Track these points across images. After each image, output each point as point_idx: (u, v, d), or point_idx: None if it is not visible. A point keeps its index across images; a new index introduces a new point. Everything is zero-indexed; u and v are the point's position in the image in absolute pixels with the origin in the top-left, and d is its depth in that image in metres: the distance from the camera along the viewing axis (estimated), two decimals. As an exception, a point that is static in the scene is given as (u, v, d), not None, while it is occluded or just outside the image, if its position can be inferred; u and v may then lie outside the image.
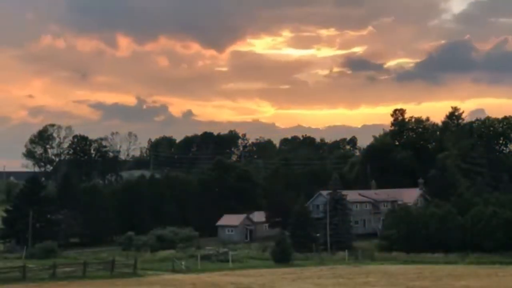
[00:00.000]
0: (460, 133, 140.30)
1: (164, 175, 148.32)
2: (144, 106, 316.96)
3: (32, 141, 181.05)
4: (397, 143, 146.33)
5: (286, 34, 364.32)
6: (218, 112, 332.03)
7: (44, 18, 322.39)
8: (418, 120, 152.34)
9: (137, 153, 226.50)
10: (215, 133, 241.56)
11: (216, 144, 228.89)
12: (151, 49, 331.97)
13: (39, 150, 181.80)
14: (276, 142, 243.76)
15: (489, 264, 70.05)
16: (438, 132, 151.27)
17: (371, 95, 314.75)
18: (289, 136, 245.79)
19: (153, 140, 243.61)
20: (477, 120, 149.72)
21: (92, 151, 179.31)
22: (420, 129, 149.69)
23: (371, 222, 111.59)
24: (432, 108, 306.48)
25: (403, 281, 52.72)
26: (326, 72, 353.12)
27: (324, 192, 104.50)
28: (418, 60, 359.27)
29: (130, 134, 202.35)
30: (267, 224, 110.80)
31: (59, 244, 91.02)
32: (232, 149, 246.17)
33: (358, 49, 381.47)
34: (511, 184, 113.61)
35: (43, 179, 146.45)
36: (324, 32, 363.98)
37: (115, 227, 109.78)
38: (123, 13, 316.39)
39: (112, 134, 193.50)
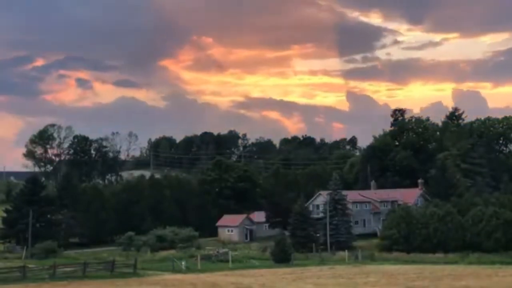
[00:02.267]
0: (460, 133, 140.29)
1: (164, 175, 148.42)
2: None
3: (32, 141, 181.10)
4: (397, 143, 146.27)
5: None
6: None
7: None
8: (418, 120, 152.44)
9: (137, 153, 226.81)
10: (215, 133, 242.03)
11: (216, 144, 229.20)
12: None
13: (39, 150, 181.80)
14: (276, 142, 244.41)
15: (489, 264, 69.94)
16: (438, 132, 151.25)
17: None
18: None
19: (153, 140, 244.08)
20: (477, 120, 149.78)
21: (92, 151, 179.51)
22: (420, 129, 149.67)
23: (371, 222, 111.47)
24: None
25: (403, 281, 52.66)
26: None
27: (324, 192, 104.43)
28: None
29: (130, 134, 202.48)
30: (267, 224, 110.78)
31: (59, 244, 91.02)
32: (232, 149, 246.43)
33: None
34: (511, 184, 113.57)
35: (43, 179, 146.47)
36: None
37: (115, 227, 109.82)
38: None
39: (112, 134, 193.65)
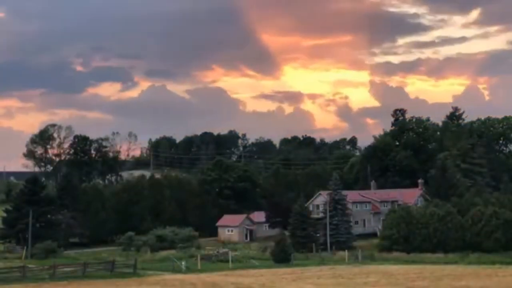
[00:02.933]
0: (460, 133, 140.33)
1: (164, 175, 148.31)
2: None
3: (32, 141, 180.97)
4: (397, 143, 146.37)
5: None
6: None
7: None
8: (418, 120, 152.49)
9: (137, 153, 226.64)
10: (215, 133, 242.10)
11: (216, 144, 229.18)
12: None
13: (39, 150, 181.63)
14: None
15: (489, 264, 69.90)
16: (438, 132, 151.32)
17: None
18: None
19: (153, 140, 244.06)
20: (477, 120, 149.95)
21: (92, 151, 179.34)
22: (420, 129, 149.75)
23: (371, 222, 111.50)
24: None
25: (403, 281, 52.69)
26: None
27: (324, 192, 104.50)
28: None
29: (130, 134, 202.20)
30: (267, 224, 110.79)
31: (59, 244, 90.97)
32: (232, 149, 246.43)
33: None
34: (511, 184, 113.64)
35: (43, 179, 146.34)
36: None
37: (115, 227, 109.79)
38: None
39: (113, 134, 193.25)
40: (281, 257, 75.37)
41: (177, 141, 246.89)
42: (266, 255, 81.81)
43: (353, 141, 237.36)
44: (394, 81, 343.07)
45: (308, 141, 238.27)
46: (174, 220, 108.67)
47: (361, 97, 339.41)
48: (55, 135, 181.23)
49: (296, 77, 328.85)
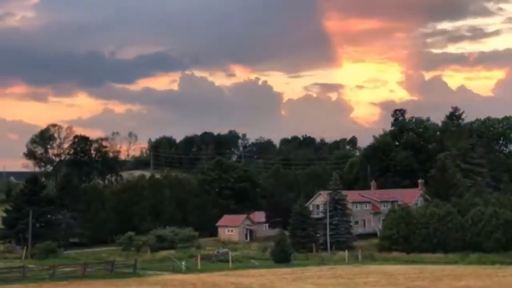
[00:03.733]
0: (460, 133, 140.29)
1: (164, 175, 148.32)
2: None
3: (33, 141, 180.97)
4: (397, 143, 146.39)
5: None
6: None
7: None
8: (418, 120, 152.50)
9: (137, 153, 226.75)
10: (215, 133, 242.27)
11: (216, 144, 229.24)
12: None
13: (39, 150, 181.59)
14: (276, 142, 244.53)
15: (489, 264, 69.94)
16: (438, 132, 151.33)
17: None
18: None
19: (153, 140, 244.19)
20: (477, 120, 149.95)
21: (92, 152, 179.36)
22: (420, 129, 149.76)
23: (371, 222, 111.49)
24: None
25: (403, 281, 52.73)
26: None
27: (324, 192, 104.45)
28: None
29: (130, 134, 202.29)
30: (267, 224, 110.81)
31: (59, 244, 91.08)
32: (232, 149, 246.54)
33: None
34: (511, 184, 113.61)
35: (43, 179, 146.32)
36: None
37: (115, 227, 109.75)
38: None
39: (113, 134, 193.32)
40: (281, 257, 75.37)
41: (177, 141, 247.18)
42: (266, 255, 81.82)
43: (353, 141, 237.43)
44: (438, 72, 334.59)
45: (308, 141, 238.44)
46: (174, 220, 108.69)
47: (400, 89, 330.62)
48: (55, 135, 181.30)
49: (343, 67, 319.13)
